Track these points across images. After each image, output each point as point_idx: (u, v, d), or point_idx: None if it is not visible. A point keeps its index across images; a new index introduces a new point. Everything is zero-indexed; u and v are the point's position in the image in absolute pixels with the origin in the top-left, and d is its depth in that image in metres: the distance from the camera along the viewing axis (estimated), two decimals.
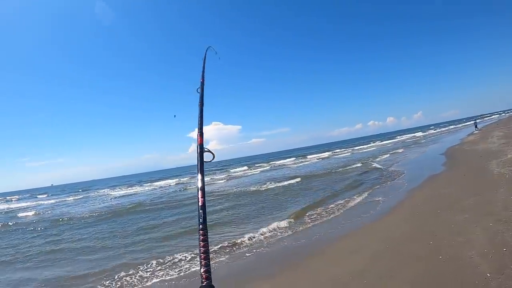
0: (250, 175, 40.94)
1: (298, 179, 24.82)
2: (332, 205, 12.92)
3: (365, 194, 13.93)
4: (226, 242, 9.58)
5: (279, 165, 53.24)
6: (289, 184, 23.24)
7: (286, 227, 10.65)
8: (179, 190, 32.88)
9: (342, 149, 70.64)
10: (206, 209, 2.37)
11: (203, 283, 2.19)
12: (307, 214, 12.20)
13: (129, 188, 50.90)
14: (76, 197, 43.67)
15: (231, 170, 56.13)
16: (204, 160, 2.73)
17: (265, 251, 8.50)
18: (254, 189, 23.23)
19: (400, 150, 36.91)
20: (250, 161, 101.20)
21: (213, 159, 2.75)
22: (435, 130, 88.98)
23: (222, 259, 8.37)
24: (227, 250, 9.02)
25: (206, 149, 2.80)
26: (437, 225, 7.38)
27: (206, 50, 3.53)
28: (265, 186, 23.93)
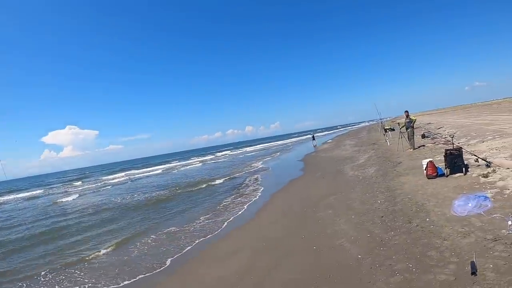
0: None
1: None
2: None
3: (229, 199, 14.62)
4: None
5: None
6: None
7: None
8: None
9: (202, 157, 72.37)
10: None
11: None
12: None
13: None
14: None
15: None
16: None
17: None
18: None
19: (267, 157, 39.39)
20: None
21: None
22: (293, 139, 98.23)
23: None
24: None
25: None
26: (306, 222, 8.50)
27: None
28: None
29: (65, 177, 77.45)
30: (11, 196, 41.06)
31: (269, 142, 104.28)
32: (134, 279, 7.23)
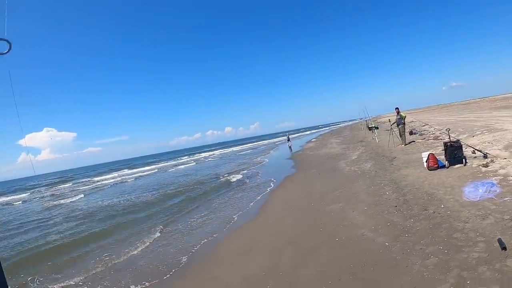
0: None
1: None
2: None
3: (226, 197, 14.42)
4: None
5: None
6: None
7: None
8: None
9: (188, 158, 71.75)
10: None
11: None
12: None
13: None
14: None
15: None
16: None
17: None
18: None
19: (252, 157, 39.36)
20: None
21: (9, 49, 2.49)
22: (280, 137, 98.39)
23: None
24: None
25: None
26: (318, 215, 8.53)
27: None
28: None
29: (49, 180, 75.10)
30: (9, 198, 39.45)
31: (252, 142, 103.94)
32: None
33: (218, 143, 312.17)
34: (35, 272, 8.52)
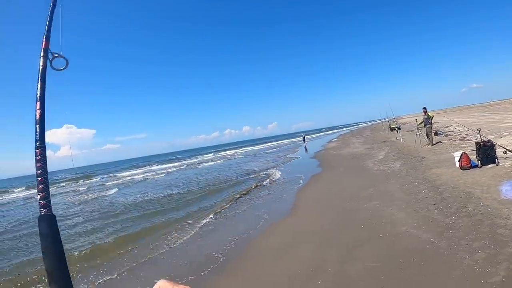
0: None
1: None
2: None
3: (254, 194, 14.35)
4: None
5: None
6: None
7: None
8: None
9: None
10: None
11: (42, 212, 2.16)
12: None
13: None
14: None
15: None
16: (56, 67, 2.65)
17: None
18: None
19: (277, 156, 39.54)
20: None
21: (66, 66, 2.69)
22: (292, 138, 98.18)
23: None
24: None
25: (55, 54, 2.68)
26: (356, 213, 8.65)
27: None
28: None
29: (73, 175, 75.65)
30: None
31: (271, 142, 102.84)
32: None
33: (236, 142, 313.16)
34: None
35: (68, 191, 34.31)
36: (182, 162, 62.52)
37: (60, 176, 75.24)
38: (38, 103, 2.41)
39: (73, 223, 14.21)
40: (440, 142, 17.99)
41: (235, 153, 69.05)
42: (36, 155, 2.27)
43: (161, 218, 12.60)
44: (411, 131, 31.27)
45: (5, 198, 38.76)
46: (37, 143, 2.29)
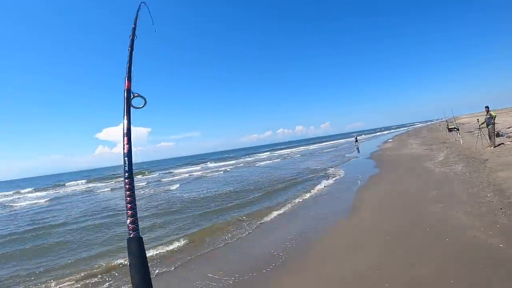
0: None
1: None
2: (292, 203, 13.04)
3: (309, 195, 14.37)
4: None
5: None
6: None
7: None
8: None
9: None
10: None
11: (130, 234, 2.39)
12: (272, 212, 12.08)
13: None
14: None
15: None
16: (135, 106, 2.99)
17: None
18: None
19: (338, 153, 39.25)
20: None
21: (144, 104, 3.03)
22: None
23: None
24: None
25: (136, 94, 3.03)
26: (419, 215, 8.47)
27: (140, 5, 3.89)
28: None
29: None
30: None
31: (325, 141, 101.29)
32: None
33: (289, 141, 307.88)
34: None
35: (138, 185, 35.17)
36: (238, 160, 62.79)
37: (119, 172, 78.93)
38: (126, 138, 2.72)
39: (144, 216, 14.52)
40: (503, 143, 16.85)
41: (291, 152, 68.46)
42: (125, 184, 2.55)
43: (223, 215, 12.82)
44: (471, 131, 29.57)
45: (70, 190, 42.32)
46: (126, 174, 2.58)
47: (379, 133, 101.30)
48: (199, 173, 41.75)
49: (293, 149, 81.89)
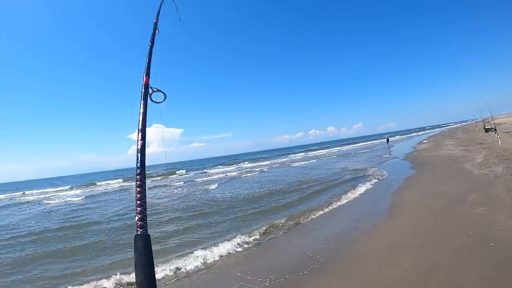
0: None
1: None
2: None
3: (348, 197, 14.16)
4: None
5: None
6: None
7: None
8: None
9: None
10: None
11: (138, 231, 2.32)
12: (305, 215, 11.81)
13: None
14: None
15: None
16: (155, 100, 2.98)
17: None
18: None
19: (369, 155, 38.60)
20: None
21: (164, 99, 2.99)
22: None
23: None
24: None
25: (155, 89, 2.99)
26: (461, 218, 8.11)
27: None
28: None
29: (166, 169, 77.55)
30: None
31: (358, 143, 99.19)
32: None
33: (321, 142, 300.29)
34: None
35: (165, 185, 35.29)
36: (273, 161, 61.33)
37: (156, 170, 79.74)
38: (140, 134, 2.66)
39: (189, 216, 14.34)
40: None
41: (326, 152, 67.16)
42: (136, 180, 2.45)
43: (264, 217, 12.50)
44: (508, 132, 28.51)
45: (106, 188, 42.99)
46: (138, 170, 2.49)
47: (413, 134, 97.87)
48: (235, 173, 40.74)
49: (327, 150, 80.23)
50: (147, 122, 2.83)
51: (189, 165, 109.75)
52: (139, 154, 2.58)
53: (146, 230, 2.32)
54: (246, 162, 69.79)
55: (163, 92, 3.01)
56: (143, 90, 2.91)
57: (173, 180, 42.04)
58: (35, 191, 53.89)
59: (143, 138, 2.65)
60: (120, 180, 58.35)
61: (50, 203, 29.38)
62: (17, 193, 54.34)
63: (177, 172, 60.04)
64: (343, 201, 13.47)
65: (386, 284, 5.48)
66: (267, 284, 6.28)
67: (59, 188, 55.09)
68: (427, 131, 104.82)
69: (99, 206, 23.21)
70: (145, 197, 2.41)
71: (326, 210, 12.26)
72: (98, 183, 57.05)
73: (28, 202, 34.11)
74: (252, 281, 6.50)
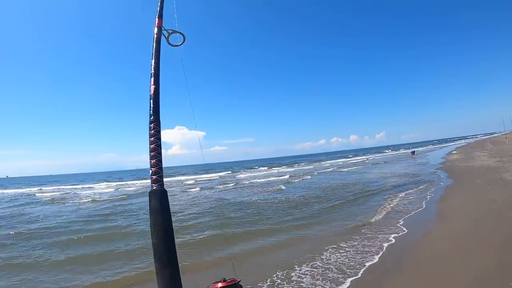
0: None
1: None
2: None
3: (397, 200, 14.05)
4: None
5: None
6: None
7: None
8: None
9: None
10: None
11: (153, 187, 2.06)
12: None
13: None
14: None
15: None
16: (173, 43, 2.68)
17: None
18: None
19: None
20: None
21: (183, 41, 2.61)
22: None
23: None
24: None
25: (170, 31, 2.60)
26: None
27: None
28: None
29: (191, 170, 79.79)
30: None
31: (382, 152, 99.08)
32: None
33: (342, 150, 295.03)
34: None
35: (214, 185, 34.43)
36: (304, 168, 59.54)
37: (174, 171, 79.93)
38: (153, 79, 2.42)
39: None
40: None
41: (363, 160, 67.06)
42: (150, 129, 2.19)
43: (323, 222, 12.07)
44: None
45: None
46: (151, 118, 2.23)
47: (437, 146, 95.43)
48: (287, 176, 39.06)
49: (356, 158, 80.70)
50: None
51: (228, 166, 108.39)
52: (151, 100, 2.33)
53: (163, 185, 2.06)
54: (303, 164, 72.02)
55: (181, 33, 2.68)
56: (155, 31, 2.58)
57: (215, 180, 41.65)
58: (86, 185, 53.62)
59: (156, 83, 2.41)
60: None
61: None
62: (67, 186, 53.08)
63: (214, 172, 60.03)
64: (394, 205, 13.64)
65: (463, 282, 5.47)
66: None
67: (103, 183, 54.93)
68: (452, 143, 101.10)
69: (129, 202, 22.96)
70: (160, 148, 2.12)
71: (381, 215, 12.36)
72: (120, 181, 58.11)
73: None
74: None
